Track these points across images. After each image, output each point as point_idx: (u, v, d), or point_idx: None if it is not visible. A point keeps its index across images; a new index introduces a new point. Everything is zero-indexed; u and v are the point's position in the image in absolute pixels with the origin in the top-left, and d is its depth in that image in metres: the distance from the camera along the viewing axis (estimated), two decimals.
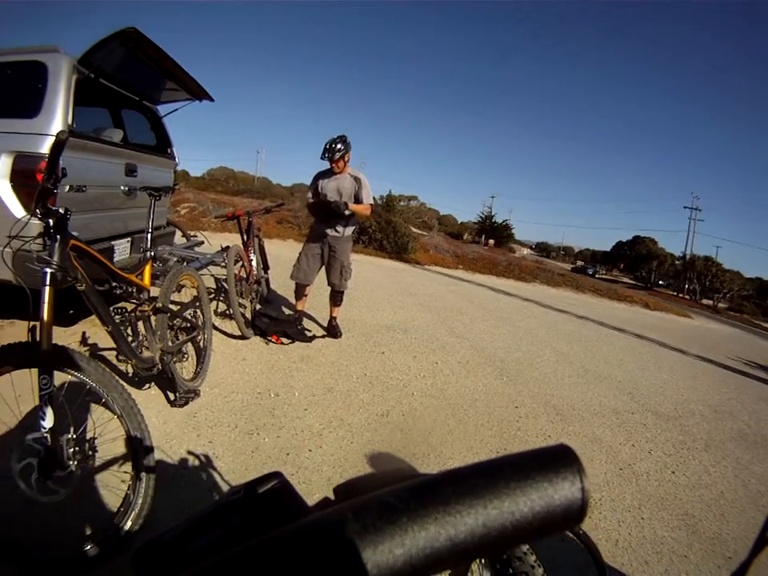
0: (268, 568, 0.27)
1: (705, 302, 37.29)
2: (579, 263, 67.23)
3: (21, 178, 3.13)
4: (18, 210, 3.10)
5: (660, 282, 48.07)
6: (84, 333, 3.71)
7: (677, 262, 47.65)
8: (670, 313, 18.14)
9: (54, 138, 1.73)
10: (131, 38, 3.28)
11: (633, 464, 3.42)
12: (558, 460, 0.31)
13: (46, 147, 3.13)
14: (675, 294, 39.96)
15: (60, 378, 1.75)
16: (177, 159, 5.30)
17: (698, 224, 52.62)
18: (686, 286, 39.70)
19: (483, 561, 0.95)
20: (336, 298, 4.96)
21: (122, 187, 3.99)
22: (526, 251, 67.35)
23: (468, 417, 3.66)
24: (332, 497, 0.43)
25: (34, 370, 1.68)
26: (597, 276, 42.50)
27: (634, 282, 48.06)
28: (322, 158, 4.45)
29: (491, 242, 42.57)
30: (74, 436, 1.77)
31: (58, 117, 3.20)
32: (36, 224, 1.79)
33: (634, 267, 52.61)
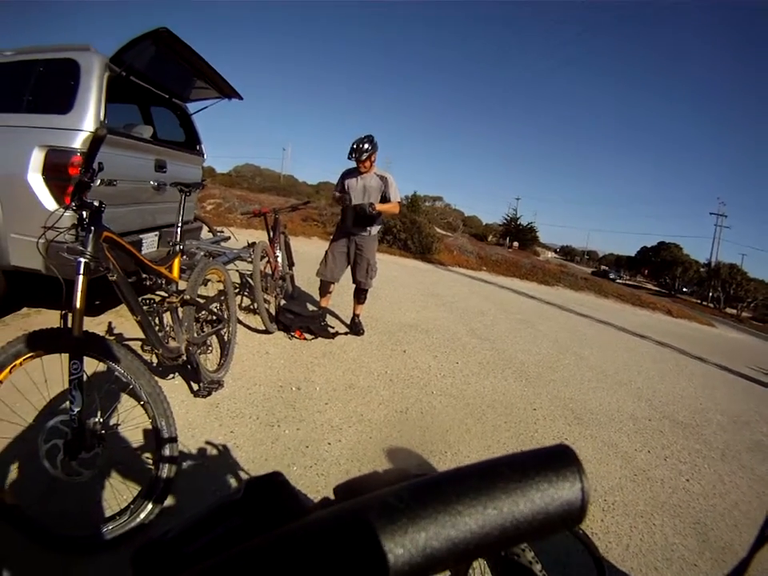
0: (268, 568, 0.28)
1: (729, 310, 36.56)
2: (603, 268, 66.06)
3: (53, 172, 3.20)
4: (49, 202, 3.18)
5: (684, 289, 47.07)
6: (110, 323, 3.80)
7: (701, 269, 46.81)
8: (692, 321, 17.80)
9: (93, 134, 1.78)
10: (162, 37, 3.33)
11: (647, 470, 3.40)
12: (557, 460, 0.32)
13: (78, 142, 3.21)
14: (699, 301, 39.24)
15: (89, 363, 1.80)
16: (204, 155, 5.38)
17: (724, 231, 51.87)
18: (710, 294, 39.02)
19: (484, 561, 0.97)
20: (360, 295, 5.00)
21: (152, 182, 4.08)
22: (550, 254, 66.33)
23: (486, 417, 3.68)
24: (332, 496, 0.44)
25: (65, 355, 1.73)
26: (619, 281, 41.80)
27: (657, 289, 47.25)
28: (349, 158, 4.48)
29: (515, 244, 42.20)
30: (101, 420, 1.82)
31: (90, 113, 3.27)
32: (68, 216, 1.85)
33: (658, 273, 51.72)
